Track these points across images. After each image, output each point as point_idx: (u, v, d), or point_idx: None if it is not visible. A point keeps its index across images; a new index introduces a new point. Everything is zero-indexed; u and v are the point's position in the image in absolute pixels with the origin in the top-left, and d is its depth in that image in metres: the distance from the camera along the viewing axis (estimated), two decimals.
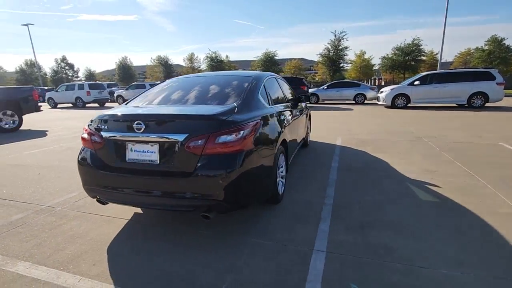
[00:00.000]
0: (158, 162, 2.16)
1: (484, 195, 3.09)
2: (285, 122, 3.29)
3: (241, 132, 2.14)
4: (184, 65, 49.32)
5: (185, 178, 2.07)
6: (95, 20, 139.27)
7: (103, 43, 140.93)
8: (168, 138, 2.11)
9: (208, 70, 39.81)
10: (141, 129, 2.16)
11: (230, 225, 2.57)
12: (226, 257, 2.11)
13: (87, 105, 19.32)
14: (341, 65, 31.63)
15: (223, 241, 2.33)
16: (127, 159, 2.25)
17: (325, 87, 17.80)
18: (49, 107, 19.58)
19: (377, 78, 54.42)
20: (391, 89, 13.48)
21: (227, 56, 47.19)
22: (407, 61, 31.09)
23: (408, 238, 2.29)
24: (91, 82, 20.20)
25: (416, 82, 12.70)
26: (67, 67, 48.84)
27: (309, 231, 2.44)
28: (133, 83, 22.49)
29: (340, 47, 30.35)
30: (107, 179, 2.28)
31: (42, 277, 1.93)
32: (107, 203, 2.48)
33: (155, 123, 2.18)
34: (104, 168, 2.31)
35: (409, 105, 12.88)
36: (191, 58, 49.31)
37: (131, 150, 2.23)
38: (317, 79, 46.87)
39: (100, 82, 21.16)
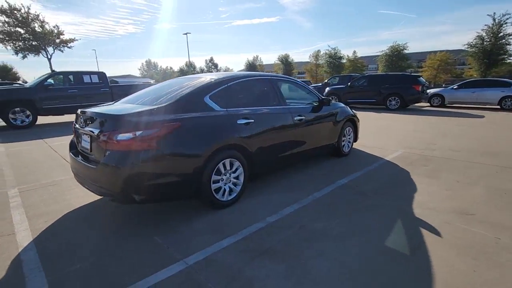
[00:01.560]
0: (90, 151, 2.62)
1: (491, 263, 1.99)
2: (253, 126, 3.11)
3: (138, 133, 2.30)
4: (310, 61, 50.00)
5: (95, 167, 2.43)
6: (245, 25, 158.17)
7: (247, 44, 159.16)
8: (91, 131, 2.52)
9: (325, 68, 38.70)
10: (82, 123, 2.67)
11: (158, 221, 2.77)
12: (105, 247, 2.35)
13: None
14: (502, 57, 23.65)
15: (130, 234, 2.57)
16: (80, 146, 2.83)
17: (455, 87, 14.18)
18: None
19: None
20: None
21: (354, 52, 44.38)
22: None
23: (273, 269, 1.85)
24: None
25: None
26: (212, 66, 58.94)
27: (198, 243, 2.33)
28: None
29: (501, 34, 22.69)
30: (73, 161, 2.92)
31: (15, 221, 2.76)
32: None
33: (88, 119, 2.64)
34: (73, 152, 2.97)
35: None
36: (316, 55, 49.34)
37: (83, 140, 2.79)
38: (475, 75, 37.45)
39: None
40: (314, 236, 2.40)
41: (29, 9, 15.96)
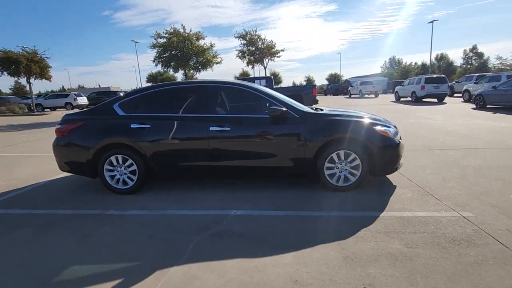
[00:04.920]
0: None
1: None
2: (148, 131, 3.45)
3: (59, 126, 3.66)
4: None
5: None
6: None
7: None
8: None
9: None
10: None
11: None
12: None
13: (422, 100, 18.73)
14: None
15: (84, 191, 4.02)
16: None
17: None
18: (394, 99, 21.61)
19: None
20: None
21: None
22: None
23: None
24: (429, 76, 19.03)
25: None
26: (474, 57, 45.47)
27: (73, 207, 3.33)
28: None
29: None
30: None
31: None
32: None
33: None
34: None
35: None
36: None
37: None
38: None
39: (441, 76, 18.92)
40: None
41: (256, 31, 21.86)
